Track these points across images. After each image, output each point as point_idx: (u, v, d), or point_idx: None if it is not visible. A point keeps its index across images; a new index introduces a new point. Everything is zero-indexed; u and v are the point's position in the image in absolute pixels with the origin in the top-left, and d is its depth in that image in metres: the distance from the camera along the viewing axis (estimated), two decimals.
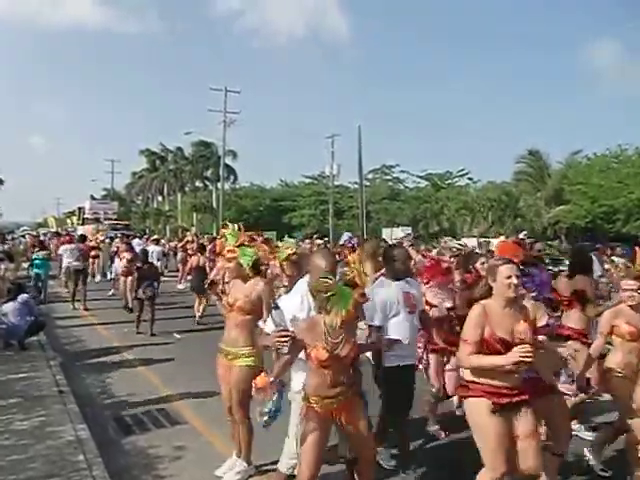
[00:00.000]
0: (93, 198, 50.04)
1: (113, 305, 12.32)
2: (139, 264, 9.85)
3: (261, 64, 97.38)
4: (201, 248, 12.50)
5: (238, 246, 3.86)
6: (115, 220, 39.83)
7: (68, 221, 51.12)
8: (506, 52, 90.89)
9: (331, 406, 2.87)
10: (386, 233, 30.96)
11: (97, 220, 39.84)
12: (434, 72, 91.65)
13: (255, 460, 3.98)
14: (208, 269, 12.02)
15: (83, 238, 14.25)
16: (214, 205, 43.53)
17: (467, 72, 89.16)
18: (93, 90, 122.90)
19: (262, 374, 2.97)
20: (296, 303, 3.14)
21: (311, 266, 3.10)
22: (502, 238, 20.77)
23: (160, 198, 54.91)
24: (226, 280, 4.82)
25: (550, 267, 16.90)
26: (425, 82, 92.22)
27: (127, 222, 40.99)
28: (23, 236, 23.65)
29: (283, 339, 2.81)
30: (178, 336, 8.96)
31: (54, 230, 37.53)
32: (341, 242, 10.41)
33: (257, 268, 3.91)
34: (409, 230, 27.25)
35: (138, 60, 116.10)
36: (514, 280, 2.86)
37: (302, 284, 3.22)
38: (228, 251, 3.88)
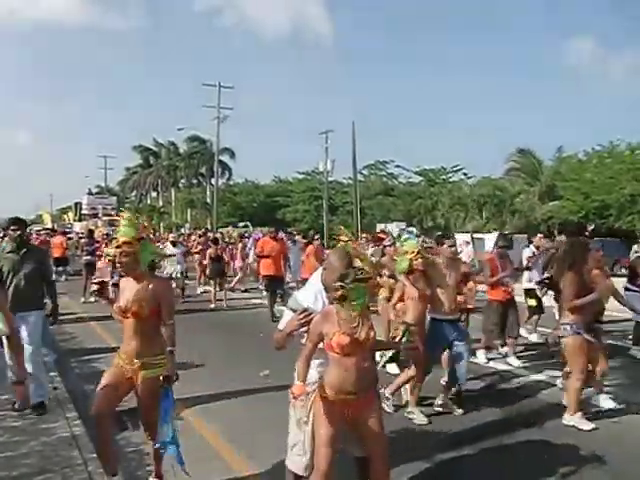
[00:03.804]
0: (90, 193, 49.43)
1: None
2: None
3: (250, 60, 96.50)
4: (214, 241, 13.31)
5: (139, 239, 3.37)
6: (114, 216, 39.37)
7: (65, 217, 50.70)
8: (503, 48, 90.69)
9: (351, 401, 2.83)
10: (380, 229, 31.05)
11: (95, 216, 39.49)
12: (430, 67, 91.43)
13: (257, 457, 3.99)
14: (226, 258, 13.73)
15: (91, 234, 14.45)
16: (208, 201, 43.49)
17: (463, 67, 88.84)
18: (82, 87, 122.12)
19: (297, 382, 2.86)
20: (310, 298, 3.11)
21: (327, 264, 3.09)
22: (495, 233, 20.85)
23: (154, 194, 54.80)
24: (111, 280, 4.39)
25: None
26: (420, 77, 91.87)
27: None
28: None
29: (305, 318, 2.90)
30: None
31: (49, 226, 37.22)
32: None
33: (152, 265, 3.49)
34: (403, 226, 27.33)
35: (126, 56, 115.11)
36: None
37: (316, 279, 3.19)
38: (124, 243, 3.32)
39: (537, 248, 8.63)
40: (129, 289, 3.39)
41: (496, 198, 32.27)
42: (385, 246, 7.63)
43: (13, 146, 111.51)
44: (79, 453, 3.96)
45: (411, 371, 4.93)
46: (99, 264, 10.57)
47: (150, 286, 3.35)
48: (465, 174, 39.22)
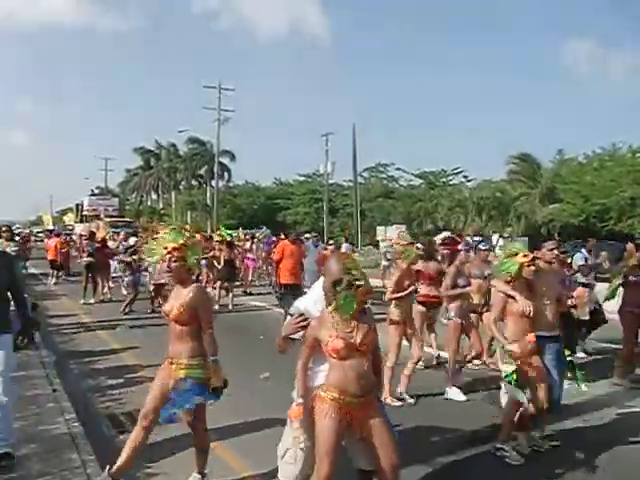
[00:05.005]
0: (93, 194, 49.14)
1: (107, 304, 12.36)
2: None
3: (250, 61, 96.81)
4: (228, 244, 12.86)
5: (185, 245, 3.54)
6: (117, 217, 38.92)
7: (65, 218, 50.54)
8: (503, 48, 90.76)
9: (352, 405, 2.82)
10: (380, 231, 31.08)
11: (97, 217, 39.22)
12: (430, 67, 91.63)
13: (259, 462, 3.98)
14: (238, 263, 13.32)
15: (92, 235, 14.37)
16: (209, 203, 43.45)
17: (463, 67, 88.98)
18: (82, 87, 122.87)
19: (293, 406, 2.90)
20: (309, 305, 3.13)
21: (325, 271, 3.08)
22: (495, 236, 20.82)
23: (154, 196, 54.80)
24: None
25: None
26: (420, 77, 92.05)
27: (130, 219, 39.84)
28: (18, 234, 23.35)
29: (301, 322, 2.96)
30: None
31: (50, 228, 37.06)
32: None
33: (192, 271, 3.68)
34: (403, 228, 27.33)
35: (126, 56, 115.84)
36: None
37: (318, 287, 3.18)
38: (174, 249, 3.48)
39: (590, 252, 7.89)
40: (175, 294, 3.55)
41: (496, 201, 32.24)
42: (458, 251, 6.71)
43: (12, 146, 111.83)
44: (78, 455, 3.94)
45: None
46: (157, 266, 10.15)
47: (191, 294, 3.47)
48: (465, 177, 39.28)
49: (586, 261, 7.55)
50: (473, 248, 6.80)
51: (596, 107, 74.63)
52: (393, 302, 5.62)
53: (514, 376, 3.99)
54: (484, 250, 6.76)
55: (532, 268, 4.09)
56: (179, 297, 3.49)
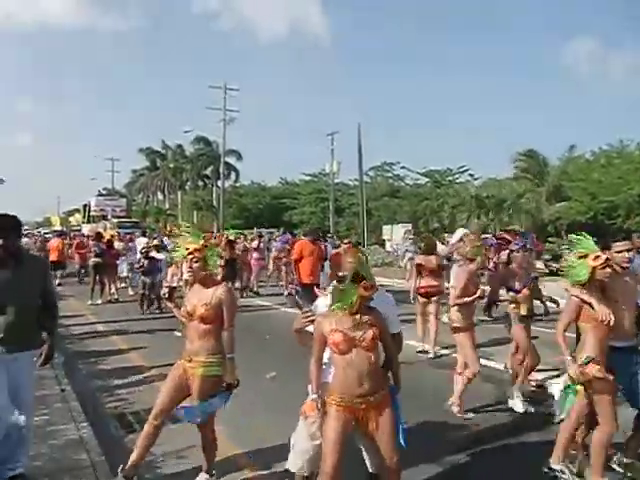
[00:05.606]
0: (100, 194, 49.32)
1: (114, 305, 12.40)
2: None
3: (250, 61, 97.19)
4: (229, 243, 12.62)
5: (205, 246, 3.62)
6: (124, 218, 38.95)
7: (72, 219, 50.73)
8: (503, 48, 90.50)
9: (358, 406, 2.83)
10: (386, 230, 31.03)
11: (104, 217, 39.34)
12: (430, 67, 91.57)
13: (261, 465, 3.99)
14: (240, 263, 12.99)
15: (99, 236, 14.40)
16: (215, 203, 43.50)
17: (463, 67, 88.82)
18: (82, 87, 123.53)
19: (308, 401, 2.94)
20: (322, 306, 3.15)
21: (334, 267, 3.08)
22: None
23: (161, 196, 54.90)
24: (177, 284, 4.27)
25: (550, 263, 16.68)
26: (420, 77, 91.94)
27: (137, 219, 39.86)
28: (26, 235, 23.47)
29: (308, 318, 3.02)
30: (179, 334, 8.97)
31: (59, 229, 37.19)
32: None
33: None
34: (409, 227, 27.27)
35: (126, 56, 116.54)
36: None
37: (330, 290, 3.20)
38: (195, 250, 3.55)
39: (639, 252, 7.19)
40: (197, 294, 3.58)
41: (500, 199, 32.04)
42: (512, 251, 6.04)
43: (14, 147, 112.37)
44: (87, 456, 3.95)
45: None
46: (170, 270, 10.07)
47: (216, 291, 3.53)
48: (472, 175, 39.13)
49: (630, 262, 6.82)
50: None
51: (596, 107, 74.56)
52: (455, 307, 5.23)
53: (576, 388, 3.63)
54: (516, 251, 6.05)
55: (607, 270, 3.60)
56: (202, 297, 3.52)
